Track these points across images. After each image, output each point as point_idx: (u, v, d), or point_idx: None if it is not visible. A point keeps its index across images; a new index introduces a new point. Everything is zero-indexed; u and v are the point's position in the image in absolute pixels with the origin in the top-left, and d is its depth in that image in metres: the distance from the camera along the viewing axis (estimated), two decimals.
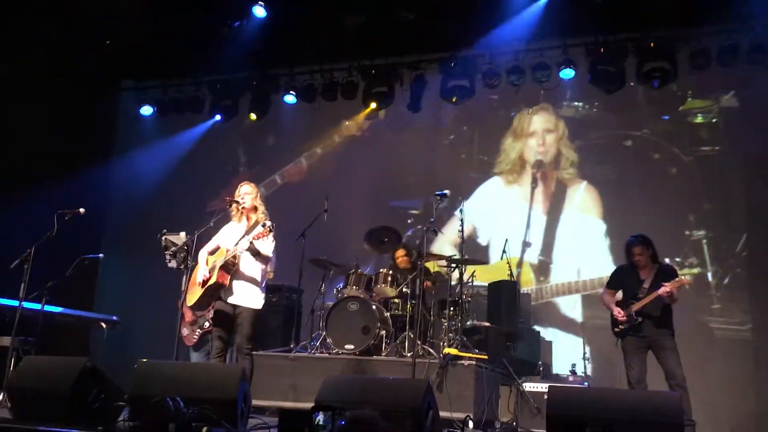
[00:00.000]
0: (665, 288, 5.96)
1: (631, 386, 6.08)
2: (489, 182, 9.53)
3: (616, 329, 6.31)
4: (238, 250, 5.42)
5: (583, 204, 9.03)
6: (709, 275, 8.24)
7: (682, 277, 6.15)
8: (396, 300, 7.62)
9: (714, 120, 8.64)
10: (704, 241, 8.34)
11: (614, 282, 6.57)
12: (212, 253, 5.68)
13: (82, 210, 6.35)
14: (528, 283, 8.96)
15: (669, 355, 5.99)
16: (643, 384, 6.06)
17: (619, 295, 6.52)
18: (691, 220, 8.42)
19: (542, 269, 9.06)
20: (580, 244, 8.88)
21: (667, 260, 6.74)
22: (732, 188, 8.21)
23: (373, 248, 8.28)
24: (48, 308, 6.59)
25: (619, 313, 6.20)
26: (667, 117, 8.81)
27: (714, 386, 7.48)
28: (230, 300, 5.55)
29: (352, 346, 7.07)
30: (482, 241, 9.32)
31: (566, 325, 8.62)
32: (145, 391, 4.35)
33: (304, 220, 7.88)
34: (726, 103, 8.56)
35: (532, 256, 9.11)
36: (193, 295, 5.60)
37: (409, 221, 9.69)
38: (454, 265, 7.51)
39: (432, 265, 8.22)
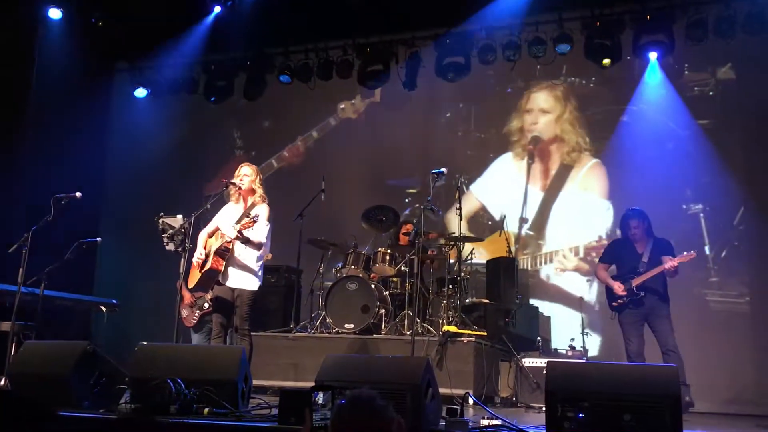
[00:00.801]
0: (672, 263, 5.99)
1: (630, 359, 6.11)
2: (501, 158, 9.47)
3: (614, 303, 6.32)
4: (226, 237, 5.45)
5: (585, 181, 9.01)
6: (707, 249, 8.25)
7: (692, 252, 6.15)
8: (395, 278, 7.65)
9: (710, 93, 8.59)
10: (701, 214, 8.34)
11: (609, 256, 6.56)
12: (211, 235, 5.69)
13: (78, 194, 6.33)
14: (525, 259, 8.96)
15: (663, 323, 6.07)
16: (641, 357, 6.10)
17: (613, 269, 6.52)
18: (688, 194, 8.42)
19: (537, 244, 9.07)
20: (579, 220, 8.86)
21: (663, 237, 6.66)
22: (729, 161, 8.17)
23: (371, 227, 8.28)
24: (47, 293, 6.59)
25: (619, 288, 6.20)
26: (663, 91, 8.76)
27: (712, 358, 7.52)
28: (228, 283, 5.58)
29: (351, 326, 7.11)
30: (492, 216, 9.29)
31: (565, 300, 8.64)
32: (145, 374, 4.38)
33: (300, 202, 7.88)
34: (722, 75, 8.51)
35: (529, 231, 9.11)
36: (193, 277, 5.66)
37: (406, 200, 9.68)
38: (452, 243, 7.53)
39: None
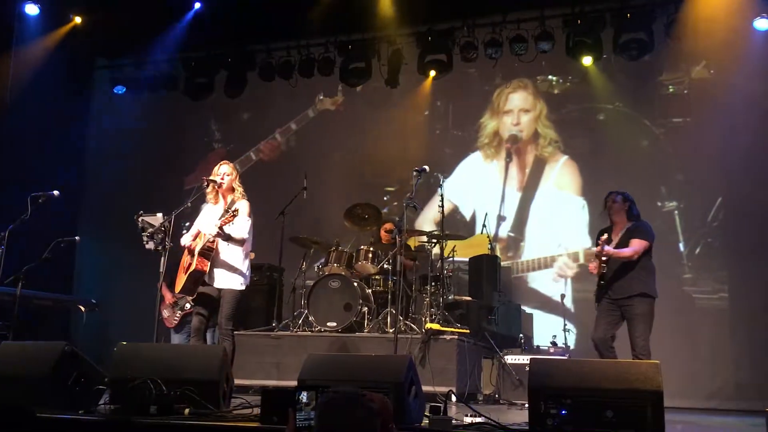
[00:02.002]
0: (608, 250, 5.65)
1: (595, 347, 5.81)
2: (469, 158, 9.51)
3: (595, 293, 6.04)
4: (207, 236, 5.39)
5: (559, 179, 9.05)
6: (681, 246, 8.33)
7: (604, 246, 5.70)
8: (377, 276, 7.64)
9: (685, 91, 8.65)
10: (676, 212, 8.42)
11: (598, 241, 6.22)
12: (195, 239, 5.62)
13: (56, 192, 6.24)
14: (506, 257, 8.98)
15: (635, 323, 5.68)
16: (605, 346, 5.73)
17: None
18: (663, 192, 8.48)
19: (515, 244, 9.09)
20: (556, 218, 8.90)
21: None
22: (703, 159, 8.25)
23: (353, 225, 8.25)
24: (24, 292, 6.50)
25: (592, 266, 5.94)
26: (639, 89, 8.82)
27: (691, 354, 7.60)
28: (214, 284, 5.52)
29: (334, 324, 7.08)
30: (463, 216, 9.32)
31: (546, 297, 8.68)
32: (125, 374, 4.32)
33: (280, 198, 7.84)
34: (697, 74, 8.57)
35: (507, 230, 9.13)
36: (180, 280, 5.59)
37: (385, 198, 9.65)
38: (434, 240, 7.52)
39: (413, 242, 8.22)
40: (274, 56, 9.72)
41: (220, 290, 5.52)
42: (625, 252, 5.76)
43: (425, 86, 9.54)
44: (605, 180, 8.39)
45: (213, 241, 5.43)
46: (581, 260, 8.49)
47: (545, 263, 8.86)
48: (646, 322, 5.71)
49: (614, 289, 5.83)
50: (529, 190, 9.18)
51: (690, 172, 8.38)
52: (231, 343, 5.46)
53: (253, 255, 7.37)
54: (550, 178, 9.09)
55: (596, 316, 6.00)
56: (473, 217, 9.29)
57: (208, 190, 5.64)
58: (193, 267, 5.42)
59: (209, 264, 5.45)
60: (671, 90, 8.69)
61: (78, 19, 9.45)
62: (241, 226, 5.49)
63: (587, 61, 8.55)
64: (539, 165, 9.18)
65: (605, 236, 5.81)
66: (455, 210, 9.18)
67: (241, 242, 5.52)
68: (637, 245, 5.78)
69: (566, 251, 8.70)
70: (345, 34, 9.39)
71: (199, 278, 5.48)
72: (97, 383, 4.56)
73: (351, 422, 2.18)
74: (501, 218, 9.17)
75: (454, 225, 8.78)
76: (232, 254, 5.54)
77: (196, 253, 5.44)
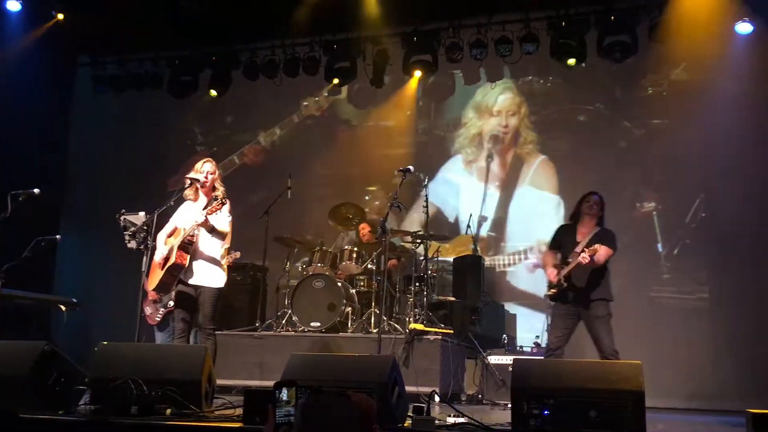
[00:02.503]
0: (584, 256, 5.52)
1: (548, 352, 5.76)
2: (452, 159, 9.54)
3: (547, 293, 5.94)
4: (192, 224, 5.32)
5: (536, 179, 9.10)
6: (659, 246, 8.39)
7: (594, 247, 5.57)
8: (361, 276, 7.63)
9: (664, 93, 8.71)
10: (654, 213, 8.48)
11: (554, 241, 6.13)
12: (170, 235, 5.56)
13: (36, 190, 6.16)
14: (487, 256, 8.99)
15: (598, 325, 5.61)
16: (558, 351, 5.69)
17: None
18: (642, 192, 8.55)
19: (496, 243, 9.12)
20: (535, 218, 8.95)
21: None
22: (682, 160, 8.31)
23: (338, 224, 8.24)
24: (5, 290, 6.42)
25: (552, 273, 5.80)
26: (620, 91, 8.89)
27: (670, 355, 7.64)
28: (191, 281, 5.45)
29: (318, 324, 7.07)
30: (446, 217, 9.33)
31: (529, 297, 8.70)
32: (106, 374, 4.29)
33: (264, 199, 7.82)
34: (677, 76, 8.64)
35: (487, 230, 9.17)
36: (155, 277, 5.49)
37: (366, 198, 9.65)
38: (419, 241, 7.53)
39: (396, 242, 8.23)
40: (259, 55, 9.68)
41: (197, 289, 5.46)
42: (601, 260, 5.67)
43: (410, 86, 9.56)
44: (584, 180, 8.44)
45: (193, 235, 5.38)
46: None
47: (523, 257, 8.91)
48: (609, 323, 5.66)
49: (577, 293, 5.74)
50: (508, 189, 9.24)
51: (669, 174, 8.45)
52: (213, 342, 5.42)
53: (238, 255, 7.35)
54: (527, 177, 9.15)
55: (553, 320, 5.93)
56: (456, 218, 9.30)
57: (189, 187, 5.59)
58: (171, 261, 5.34)
59: (188, 258, 5.39)
60: (651, 92, 8.76)
61: (60, 16, 9.33)
62: (225, 220, 5.46)
63: (571, 63, 8.59)
64: (518, 165, 9.23)
65: (592, 246, 5.62)
66: (438, 210, 9.18)
67: (222, 236, 5.47)
68: (606, 253, 5.68)
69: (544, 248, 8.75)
70: (330, 33, 9.37)
71: (177, 273, 5.40)
72: (77, 383, 4.52)
73: (335, 422, 2.17)
74: (482, 218, 9.20)
75: (438, 225, 8.79)
76: (212, 249, 5.48)
77: (175, 247, 5.36)
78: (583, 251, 5.58)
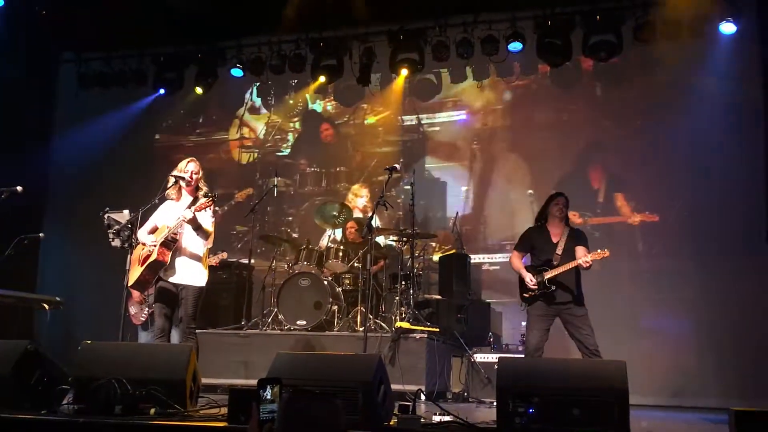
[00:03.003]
0: (587, 260, 5.63)
1: (528, 353, 5.79)
2: (437, 156, 9.55)
3: (525, 294, 5.95)
4: (180, 220, 5.29)
5: (513, 175, 9.15)
6: (640, 245, 8.44)
7: (605, 250, 5.72)
8: (347, 275, 7.62)
9: (649, 93, 8.69)
10: (636, 212, 8.51)
11: (524, 244, 6.14)
12: (151, 233, 5.53)
13: (19, 188, 6.09)
14: (475, 255, 9.00)
15: (580, 324, 5.67)
16: (540, 353, 5.74)
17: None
18: (623, 191, 8.59)
19: (483, 241, 9.15)
20: (517, 215, 8.97)
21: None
22: (663, 160, 8.36)
23: (324, 223, 8.23)
24: None
25: (531, 281, 5.83)
26: (604, 90, 8.93)
27: (653, 352, 7.68)
28: (172, 279, 5.43)
29: (304, 322, 7.06)
30: (432, 215, 9.34)
31: (515, 295, 8.69)
32: (89, 373, 4.26)
33: (250, 197, 7.80)
34: (662, 76, 8.64)
35: (475, 228, 9.18)
36: (134, 273, 5.45)
37: (352, 196, 9.62)
38: (405, 239, 7.53)
39: (381, 240, 8.23)
40: (245, 52, 9.64)
41: (177, 286, 5.43)
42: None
43: (396, 84, 9.55)
44: (564, 181, 8.50)
45: (177, 233, 5.35)
46: None
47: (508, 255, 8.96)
48: (589, 320, 5.72)
49: (558, 295, 5.80)
50: (492, 187, 9.27)
51: (651, 173, 8.48)
52: (194, 342, 5.40)
53: (225, 255, 7.33)
54: (510, 175, 9.19)
55: (531, 322, 5.92)
56: (442, 216, 9.32)
57: (172, 186, 5.56)
58: (153, 258, 5.31)
59: (170, 255, 5.36)
60: (635, 91, 8.77)
61: (44, 12, 9.23)
62: (208, 220, 5.45)
63: (557, 62, 8.61)
64: (497, 162, 9.27)
65: (600, 252, 5.72)
66: (424, 208, 9.18)
67: (206, 235, 5.47)
68: (586, 252, 5.77)
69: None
70: (317, 31, 9.34)
71: (157, 270, 5.37)
72: (60, 382, 4.49)
73: (315, 422, 2.19)
74: (468, 216, 9.22)
75: (424, 223, 8.80)
76: (195, 248, 5.47)
77: (158, 243, 5.33)
78: (583, 255, 5.68)
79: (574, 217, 6.17)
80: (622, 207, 8.57)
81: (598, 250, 5.73)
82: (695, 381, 7.68)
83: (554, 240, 5.94)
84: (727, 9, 8.02)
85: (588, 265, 5.67)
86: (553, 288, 5.78)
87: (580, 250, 5.80)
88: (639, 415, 5.05)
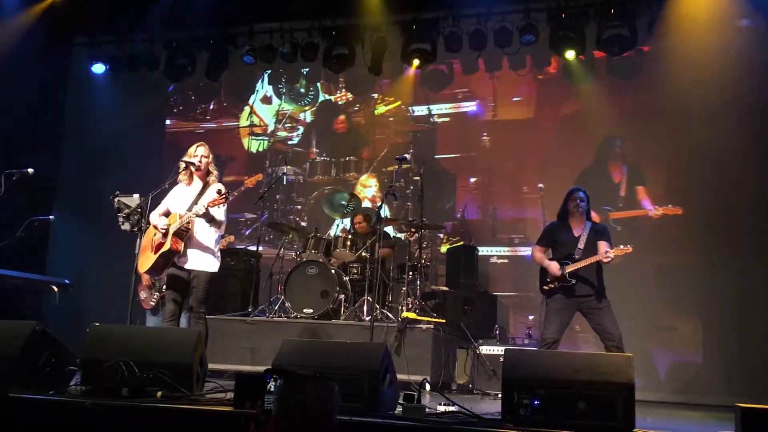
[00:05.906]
0: (609, 255, 5.65)
1: (545, 344, 5.77)
2: (447, 147, 9.53)
3: (545, 287, 5.97)
4: (192, 215, 5.32)
5: (523, 168, 9.13)
6: (657, 239, 8.38)
7: (628, 246, 5.74)
8: (355, 264, 7.63)
9: (662, 88, 8.61)
10: (648, 207, 8.47)
11: (547, 238, 6.16)
12: (164, 215, 5.55)
13: (30, 170, 6.13)
14: (483, 248, 8.99)
15: (603, 315, 5.69)
16: (556, 345, 5.75)
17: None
18: (637, 188, 8.55)
19: (493, 234, 9.13)
20: (526, 209, 9.01)
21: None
22: (676, 155, 8.30)
23: (333, 212, 8.23)
24: None
25: (556, 268, 5.84)
26: (616, 85, 8.85)
27: (660, 349, 7.67)
28: (185, 266, 5.46)
29: (310, 310, 7.07)
30: (441, 206, 9.33)
31: (522, 289, 8.71)
32: (97, 355, 4.29)
33: (258, 185, 7.82)
34: (675, 71, 8.52)
35: (484, 220, 9.17)
36: (147, 259, 5.48)
37: (361, 186, 9.61)
38: (413, 229, 7.53)
39: (391, 230, 8.23)
40: (257, 39, 9.61)
41: (190, 272, 5.46)
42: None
43: (408, 74, 9.52)
44: (575, 174, 8.47)
45: (189, 222, 5.37)
46: None
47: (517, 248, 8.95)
48: (612, 312, 5.73)
49: (578, 288, 5.82)
50: (500, 179, 9.25)
51: (664, 171, 8.43)
52: (204, 326, 5.43)
53: (233, 238, 7.33)
54: (514, 167, 9.18)
55: (550, 313, 5.91)
56: (451, 207, 9.30)
57: (183, 171, 5.57)
58: (167, 247, 5.35)
59: (183, 244, 5.39)
60: (649, 86, 8.70)
61: None
62: (221, 210, 5.46)
63: (570, 55, 8.54)
64: (507, 154, 9.25)
65: (623, 248, 5.74)
66: (433, 199, 9.16)
67: (219, 225, 5.51)
68: (608, 247, 5.80)
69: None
70: (330, 19, 9.31)
71: (170, 258, 5.41)
72: (68, 364, 4.53)
73: (311, 400, 2.23)
74: (476, 208, 9.20)
75: (433, 214, 8.79)
76: (208, 236, 5.49)
77: (171, 232, 5.36)
78: (607, 251, 5.69)
79: (593, 216, 6.19)
80: (636, 204, 8.53)
81: (621, 246, 5.75)
82: (702, 378, 7.66)
83: (576, 234, 5.97)
84: (745, 6, 7.93)
85: (609, 259, 5.70)
86: (574, 282, 5.80)
87: (602, 245, 5.82)
88: (644, 411, 5.04)
